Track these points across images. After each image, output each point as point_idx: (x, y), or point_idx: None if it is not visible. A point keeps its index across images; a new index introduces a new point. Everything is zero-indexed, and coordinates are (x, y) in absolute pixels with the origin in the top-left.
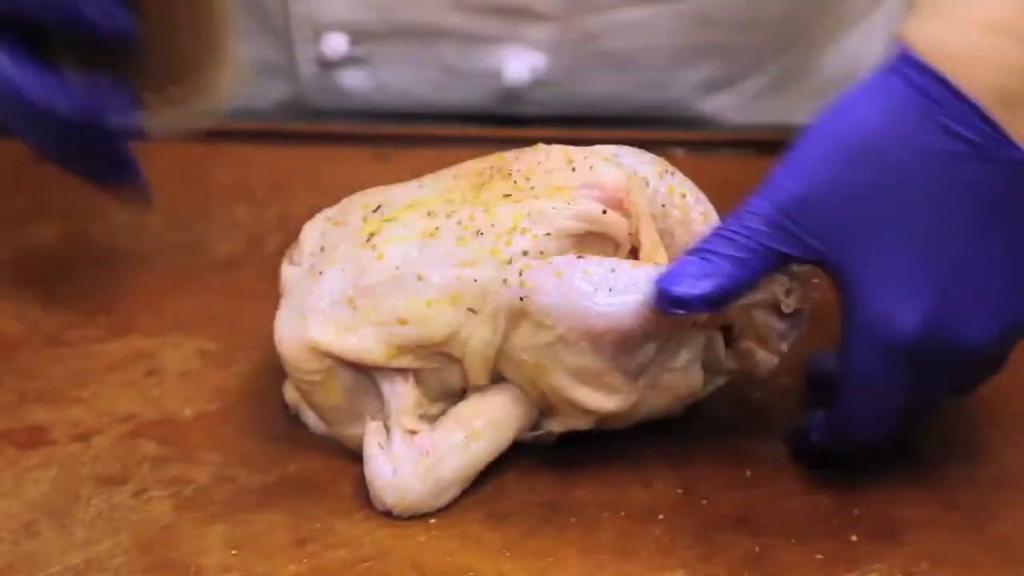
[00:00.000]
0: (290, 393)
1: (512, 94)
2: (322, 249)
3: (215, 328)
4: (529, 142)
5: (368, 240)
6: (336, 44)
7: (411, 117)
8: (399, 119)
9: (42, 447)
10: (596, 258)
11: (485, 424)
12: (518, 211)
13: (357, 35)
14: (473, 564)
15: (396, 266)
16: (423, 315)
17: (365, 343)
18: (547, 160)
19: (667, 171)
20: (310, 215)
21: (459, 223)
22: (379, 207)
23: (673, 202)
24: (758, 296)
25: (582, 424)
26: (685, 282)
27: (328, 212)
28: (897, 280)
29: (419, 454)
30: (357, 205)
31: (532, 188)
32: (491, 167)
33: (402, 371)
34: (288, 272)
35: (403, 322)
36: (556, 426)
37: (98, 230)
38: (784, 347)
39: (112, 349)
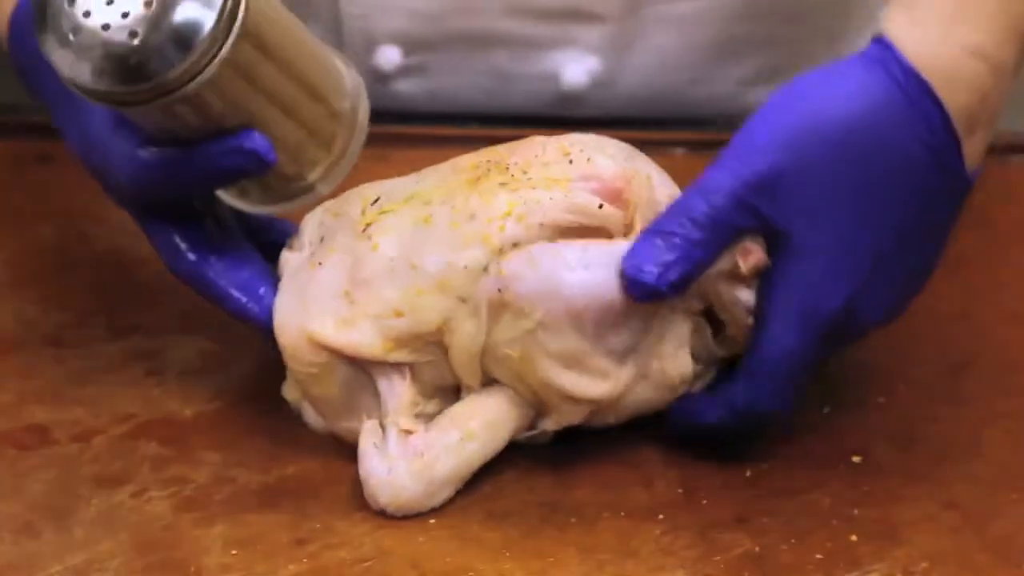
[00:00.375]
0: (290, 393)
1: (568, 97)
2: (321, 239)
3: (215, 328)
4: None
5: (364, 231)
6: (390, 56)
7: (467, 120)
8: (456, 124)
9: (42, 447)
10: (569, 241)
11: (480, 425)
12: (513, 199)
13: (410, 46)
14: (473, 564)
15: (391, 256)
16: (415, 305)
17: (364, 337)
18: (544, 153)
19: (632, 154)
20: None
21: (452, 207)
22: (377, 199)
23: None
24: (716, 267)
25: (575, 417)
26: (649, 269)
27: (328, 204)
28: (836, 260)
29: (414, 454)
30: (357, 197)
31: (529, 179)
32: (488, 160)
33: (399, 367)
34: (287, 256)
35: (399, 314)
36: (550, 424)
37: (98, 230)
38: (750, 320)
39: (112, 349)
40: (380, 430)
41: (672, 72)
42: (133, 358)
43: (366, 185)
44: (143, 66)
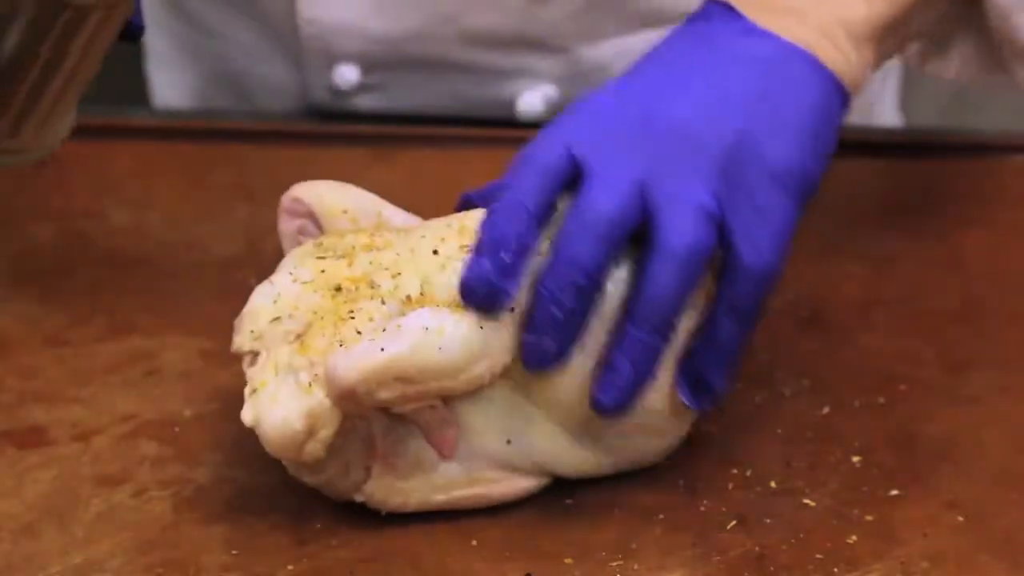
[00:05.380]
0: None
1: (523, 124)
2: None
3: (215, 328)
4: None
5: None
6: (348, 74)
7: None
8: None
9: (42, 447)
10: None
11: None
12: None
13: (368, 66)
14: (473, 564)
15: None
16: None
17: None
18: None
19: None
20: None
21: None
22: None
23: None
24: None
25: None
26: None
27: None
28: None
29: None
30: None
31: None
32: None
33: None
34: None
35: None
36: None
37: (98, 230)
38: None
39: (112, 349)
40: None
41: None
42: (133, 358)
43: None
44: None
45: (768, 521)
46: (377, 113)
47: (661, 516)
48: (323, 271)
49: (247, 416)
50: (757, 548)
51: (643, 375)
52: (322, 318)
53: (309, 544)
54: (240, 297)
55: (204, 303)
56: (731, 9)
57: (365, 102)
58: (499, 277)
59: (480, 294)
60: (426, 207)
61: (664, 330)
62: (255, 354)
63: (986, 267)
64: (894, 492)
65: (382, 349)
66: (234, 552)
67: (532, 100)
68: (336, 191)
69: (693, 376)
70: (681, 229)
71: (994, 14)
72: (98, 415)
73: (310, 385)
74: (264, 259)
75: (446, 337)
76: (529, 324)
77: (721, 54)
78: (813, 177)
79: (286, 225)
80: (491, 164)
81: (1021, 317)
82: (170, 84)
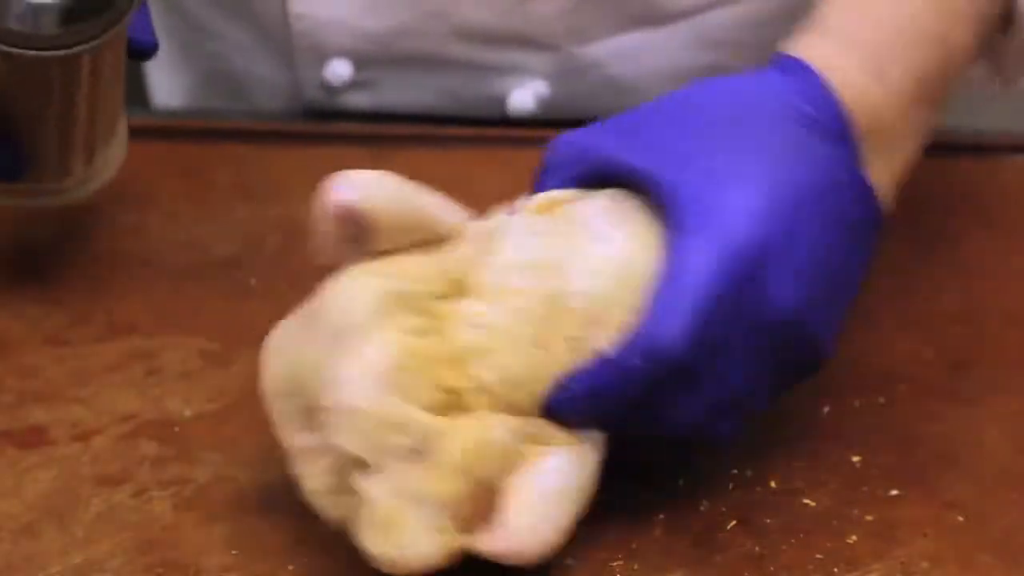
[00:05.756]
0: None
1: (517, 122)
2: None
3: (215, 328)
4: (530, 141)
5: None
6: (340, 70)
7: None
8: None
9: (42, 447)
10: None
11: None
12: None
13: (360, 62)
14: (473, 563)
15: None
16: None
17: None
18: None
19: None
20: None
21: None
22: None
23: None
24: None
25: None
26: None
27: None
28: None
29: None
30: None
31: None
32: None
33: None
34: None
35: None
36: None
37: (98, 230)
38: None
39: (112, 349)
40: None
41: (627, 101)
42: (133, 358)
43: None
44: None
45: (768, 521)
46: (369, 110)
47: (661, 516)
48: (415, 355)
49: (375, 547)
50: (757, 548)
51: None
52: (442, 437)
53: (309, 544)
54: (240, 297)
55: (204, 303)
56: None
57: (357, 99)
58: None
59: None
60: None
61: None
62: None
63: (986, 267)
64: (894, 492)
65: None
66: (234, 552)
67: (523, 97)
68: (390, 190)
69: None
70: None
71: None
72: (98, 415)
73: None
74: (264, 259)
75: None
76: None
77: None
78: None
79: (328, 230)
80: (491, 164)
81: (1021, 317)
82: (165, 84)
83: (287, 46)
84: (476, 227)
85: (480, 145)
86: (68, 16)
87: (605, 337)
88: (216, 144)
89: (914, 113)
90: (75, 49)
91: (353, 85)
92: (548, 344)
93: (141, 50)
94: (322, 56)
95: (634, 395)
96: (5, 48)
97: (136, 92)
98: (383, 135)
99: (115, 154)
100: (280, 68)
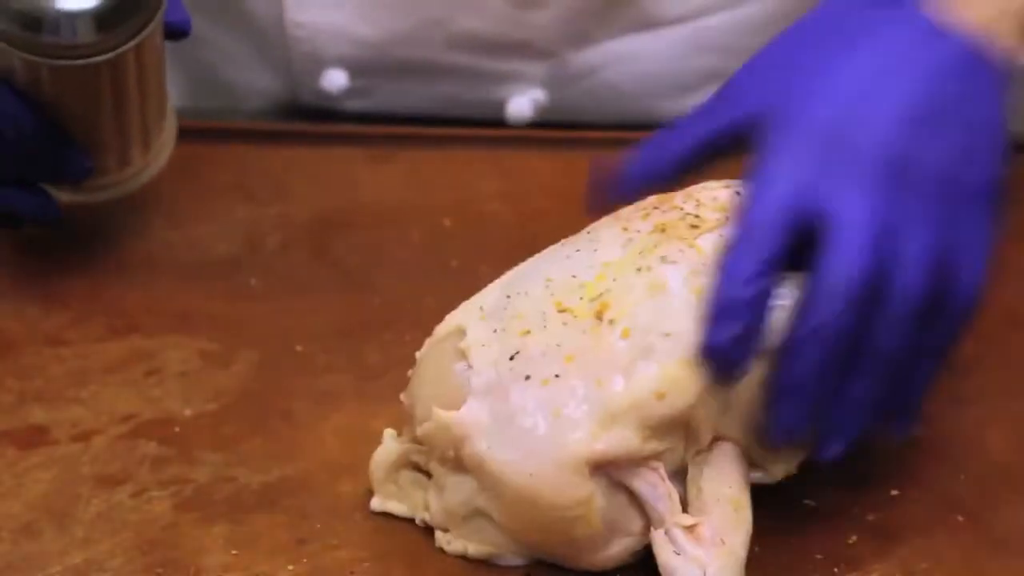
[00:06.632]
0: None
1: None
2: (512, 357)
3: (215, 328)
4: (530, 141)
5: (598, 317)
6: (336, 79)
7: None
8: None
9: (42, 447)
10: None
11: (738, 489)
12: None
13: (357, 70)
14: (473, 564)
15: (641, 334)
16: (677, 381)
17: (623, 435)
18: (718, 199)
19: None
20: (310, 215)
21: (676, 265)
22: (586, 286)
23: None
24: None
25: (790, 467)
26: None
27: (473, 314)
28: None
29: (714, 545)
30: (522, 295)
31: (711, 219)
32: (650, 206)
33: (651, 466)
34: (462, 420)
35: (659, 396)
36: (777, 472)
37: (98, 230)
38: None
39: (112, 349)
40: (667, 539)
41: (625, 106)
42: (133, 358)
43: (509, 282)
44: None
45: (768, 521)
46: (366, 116)
47: None
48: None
49: None
50: (757, 548)
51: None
52: None
53: (309, 544)
54: (240, 297)
55: (204, 303)
56: None
57: (353, 106)
58: (736, 348)
59: (719, 364)
60: (425, 207)
61: (885, 384)
62: None
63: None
64: (894, 492)
65: None
66: (234, 552)
67: (521, 105)
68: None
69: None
70: (911, 284)
71: None
72: (98, 415)
73: None
74: (264, 259)
75: None
76: (784, 399)
77: (908, 65)
78: (1003, 188)
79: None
80: (491, 165)
81: (1021, 317)
82: None
83: (284, 54)
84: None
85: (479, 146)
86: (103, 23)
87: None
88: (216, 144)
89: None
90: (118, 51)
91: (349, 93)
92: None
93: (175, 30)
94: (319, 64)
95: None
96: (50, 62)
97: None
98: (383, 135)
99: (168, 138)
100: (275, 75)
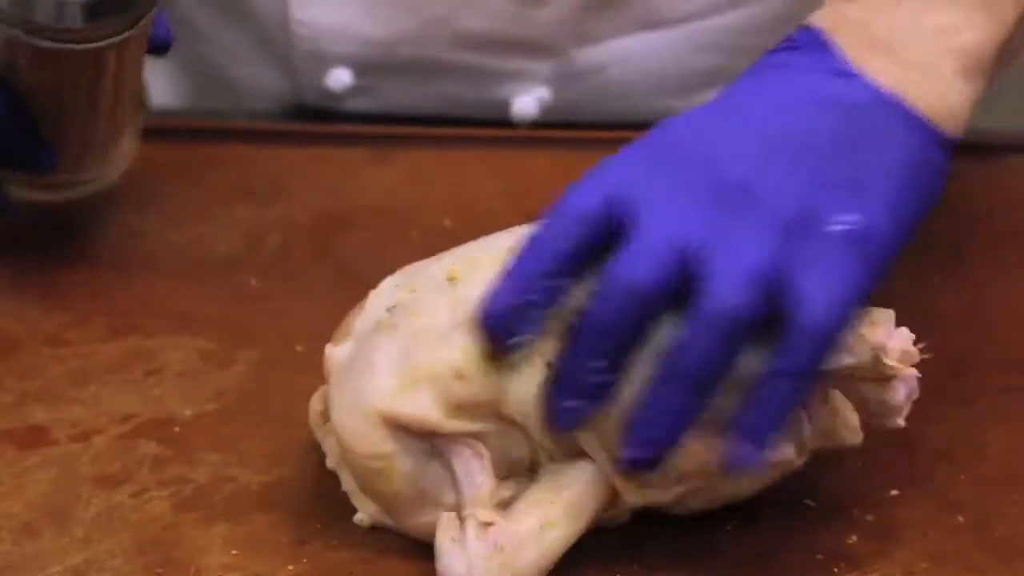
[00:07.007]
0: (362, 506)
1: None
2: (390, 309)
3: (215, 328)
4: (529, 141)
5: (450, 281)
6: (341, 78)
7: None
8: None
9: (42, 447)
10: None
11: (561, 510)
12: None
13: (362, 69)
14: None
15: (464, 310)
16: (481, 365)
17: (420, 404)
18: None
19: None
20: (310, 215)
21: None
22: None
23: None
24: (855, 364)
25: (663, 495)
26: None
27: (396, 279)
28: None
29: (494, 549)
30: (438, 261)
31: None
32: None
33: (473, 447)
34: (331, 351)
35: (459, 376)
36: (632, 497)
37: (98, 230)
38: (900, 420)
39: (112, 349)
40: (458, 523)
41: (630, 104)
42: (133, 358)
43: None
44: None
45: (768, 521)
46: (370, 115)
47: (663, 517)
48: None
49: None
50: (757, 548)
51: (672, 437)
52: None
53: (309, 544)
54: (240, 297)
55: (204, 303)
56: (822, 42)
57: (357, 105)
58: (511, 316)
59: (491, 329)
60: (425, 207)
61: (696, 395)
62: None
63: (986, 267)
64: (894, 492)
65: None
66: (234, 552)
67: (526, 103)
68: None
69: (738, 435)
70: (723, 295)
71: None
72: (98, 415)
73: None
74: (264, 259)
75: None
76: (557, 385)
77: (801, 97)
78: (890, 239)
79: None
80: (491, 165)
81: (1021, 317)
82: (161, 88)
83: (287, 52)
84: None
85: (479, 146)
86: (93, 11)
87: None
88: (216, 144)
89: None
90: (101, 43)
91: (353, 91)
92: None
93: (156, 46)
94: (323, 63)
95: None
96: (35, 41)
97: None
98: (383, 135)
99: (127, 152)
100: (279, 74)
